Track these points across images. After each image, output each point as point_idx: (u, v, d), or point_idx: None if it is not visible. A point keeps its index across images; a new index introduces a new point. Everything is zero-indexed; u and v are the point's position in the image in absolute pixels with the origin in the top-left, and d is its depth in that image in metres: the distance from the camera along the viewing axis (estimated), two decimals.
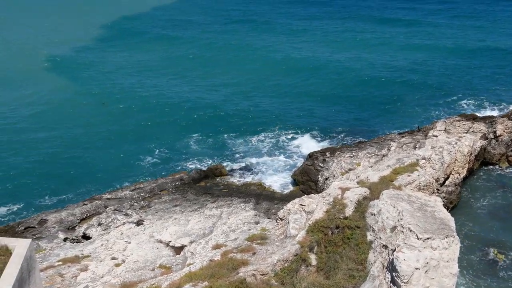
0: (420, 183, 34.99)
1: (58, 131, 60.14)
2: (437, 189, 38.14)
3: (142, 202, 43.06)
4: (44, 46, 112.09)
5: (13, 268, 17.34)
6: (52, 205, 44.31)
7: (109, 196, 43.67)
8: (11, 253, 18.24)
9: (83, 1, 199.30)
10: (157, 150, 55.33)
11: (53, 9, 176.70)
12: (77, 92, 76.56)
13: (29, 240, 19.09)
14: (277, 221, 31.73)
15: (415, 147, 45.15)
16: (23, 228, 38.43)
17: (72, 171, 50.54)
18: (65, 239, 36.89)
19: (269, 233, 30.26)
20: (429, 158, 40.46)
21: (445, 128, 49.14)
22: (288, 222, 29.27)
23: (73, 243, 36.36)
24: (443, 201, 32.66)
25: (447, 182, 41.90)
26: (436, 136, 46.02)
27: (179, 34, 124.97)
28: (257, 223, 35.43)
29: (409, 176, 35.36)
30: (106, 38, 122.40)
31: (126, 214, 40.09)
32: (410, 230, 24.68)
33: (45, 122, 62.60)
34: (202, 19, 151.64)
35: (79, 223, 39.67)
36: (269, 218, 37.16)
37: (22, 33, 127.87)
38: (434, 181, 37.46)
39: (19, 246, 18.56)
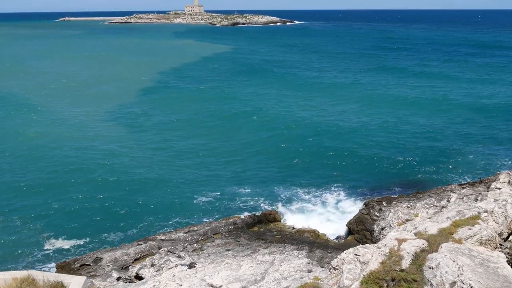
0: (481, 237, 33.35)
1: (118, 173, 62.00)
2: (500, 244, 36.25)
3: (195, 244, 43.16)
4: (113, 91, 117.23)
5: None
6: (108, 243, 45.18)
7: (163, 237, 44.07)
8: None
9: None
10: (212, 194, 55.73)
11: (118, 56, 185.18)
12: (137, 139, 79.11)
13: (84, 278, 19.43)
14: (331, 270, 30.89)
15: (476, 199, 43.39)
16: (78, 265, 39.18)
17: (128, 212, 51.63)
18: (118, 278, 37.24)
19: (322, 282, 29.48)
20: (492, 211, 38.59)
21: (509, 180, 47.09)
22: (342, 272, 28.42)
23: (125, 282, 36.62)
24: (507, 257, 30.96)
25: (511, 237, 39.82)
26: (499, 189, 44.08)
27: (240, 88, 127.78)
28: (310, 271, 34.65)
29: (470, 229, 33.78)
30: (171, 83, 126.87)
31: (179, 256, 40.20)
32: (471, 287, 23.44)
33: (107, 165, 64.74)
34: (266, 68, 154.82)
35: (132, 263, 40.09)
36: (322, 267, 36.28)
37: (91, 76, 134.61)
38: (497, 235, 35.64)
39: (74, 283, 18.90)
